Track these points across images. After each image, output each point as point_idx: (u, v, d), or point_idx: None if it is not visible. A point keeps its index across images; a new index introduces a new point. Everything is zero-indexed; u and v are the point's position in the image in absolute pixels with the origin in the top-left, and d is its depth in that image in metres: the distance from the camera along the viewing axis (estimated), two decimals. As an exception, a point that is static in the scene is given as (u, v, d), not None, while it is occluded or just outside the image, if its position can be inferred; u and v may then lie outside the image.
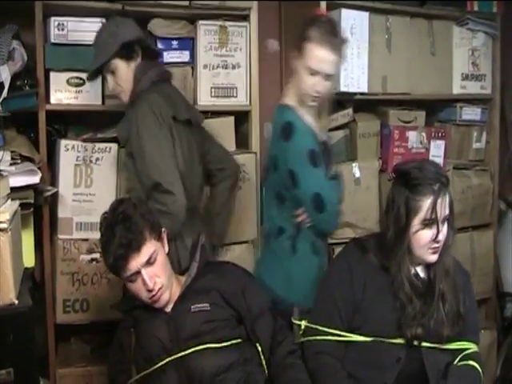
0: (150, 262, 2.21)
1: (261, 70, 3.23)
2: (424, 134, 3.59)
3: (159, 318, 2.27)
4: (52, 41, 2.88)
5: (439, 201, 2.23)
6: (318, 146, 2.61)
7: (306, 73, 2.56)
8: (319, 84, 2.56)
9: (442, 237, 2.26)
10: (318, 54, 2.52)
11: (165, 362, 2.20)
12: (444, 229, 2.27)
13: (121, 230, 2.17)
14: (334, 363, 2.34)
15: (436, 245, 2.27)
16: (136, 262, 2.19)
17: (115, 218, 2.20)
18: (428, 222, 2.24)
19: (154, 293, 2.23)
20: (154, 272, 2.22)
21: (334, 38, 2.54)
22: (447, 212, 2.26)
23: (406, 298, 2.28)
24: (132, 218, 2.19)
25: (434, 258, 2.30)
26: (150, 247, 2.21)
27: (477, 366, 2.37)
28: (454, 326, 2.32)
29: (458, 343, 2.37)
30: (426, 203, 2.22)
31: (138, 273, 2.20)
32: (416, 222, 2.25)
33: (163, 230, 2.32)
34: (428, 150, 3.59)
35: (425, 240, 2.26)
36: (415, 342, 2.28)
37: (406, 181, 2.26)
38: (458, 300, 2.33)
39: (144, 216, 2.23)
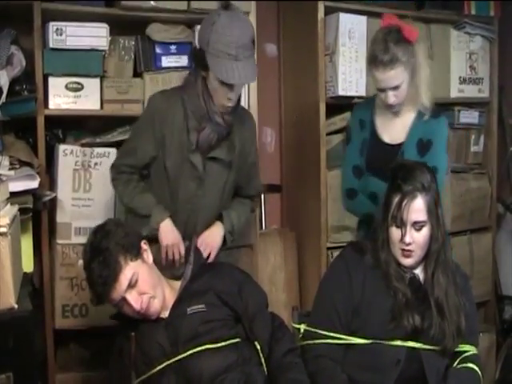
0: (131, 286, 2.21)
1: (259, 75, 3.21)
2: (422, 137, 3.58)
3: (158, 323, 2.27)
4: (51, 46, 2.88)
5: (406, 202, 2.26)
6: None
7: (377, 90, 2.69)
8: (390, 97, 2.65)
9: (409, 240, 2.27)
10: (377, 75, 2.62)
11: (163, 365, 2.20)
12: (415, 234, 2.28)
13: (96, 265, 2.18)
14: (334, 366, 2.33)
15: (405, 247, 2.28)
16: (117, 293, 2.20)
17: (91, 253, 2.22)
18: (395, 220, 2.28)
19: (142, 311, 2.24)
20: (139, 291, 2.23)
21: (383, 55, 2.58)
22: (418, 218, 2.27)
23: (396, 285, 2.30)
24: (106, 251, 2.19)
25: (405, 261, 2.32)
26: (127, 273, 2.21)
27: (476, 368, 2.37)
28: (455, 340, 2.33)
29: (458, 346, 2.37)
30: (394, 200, 2.29)
31: (123, 298, 2.21)
32: (389, 218, 2.30)
33: (143, 242, 2.32)
34: (426, 153, 3.59)
35: (394, 238, 2.30)
36: (414, 345, 2.29)
37: (393, 175, 2.35)
38: (459, 314, 2.33)
39: (118, 243, 2.22)
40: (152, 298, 2.25)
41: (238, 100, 2.61)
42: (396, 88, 2.64)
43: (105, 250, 2.19)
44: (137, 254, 2.26)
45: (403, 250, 2.29)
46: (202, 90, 2.54)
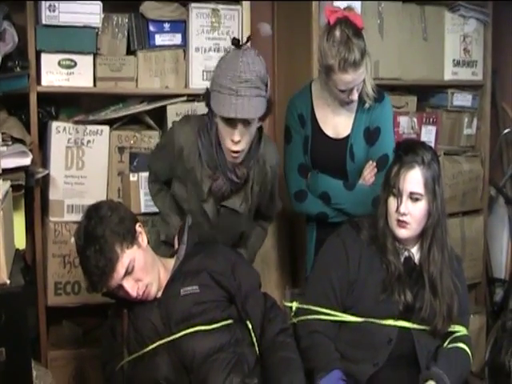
0: (128, 272, 2.20)
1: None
2: (415, 120, 3.59)
3: (151, 302, 2.28)
4: (43, 22, 2.85)
5: (403, 171, 2.29)
6: None
7: (336, 90, 2.63)
8: (354, 94, 2.63)
9: (404, 210, 2.29)
10: (343, 78, 2.56)
11: (156, 345, 2.21)
12: (410, 205, 2.30)
13: (92, 254, 2.15)
14: (328, 343, 2.36)
15: (400, 217, 2.30)
16: (114, 280, 2.19)
17: (85, 240, 2.18)
18: (392, 190, 2.31)
19: (139, 297, 2.24)
20: (135, 278, 2.22)
21: (352, 55, 2.52)
22: (415, 189, 2.29)
23: (389, 257, 2.33)
24: (101, 239, 2.16)
25: (400, 232, 2.33)
26: (124, 261, 2.19)
27: (466, 348, 2.41)
28: (446, 321, 2.35)
29: (448, 326, 2.39)
30: (393, 170, 2.32)
31: (120, 285, 2.21)
32: (387, 189, 2.33)
33: (138, 225, 2.29)
34: (419, 135, 3.59)
35: (391, 209, 2.33)
36: (406, 325, 2.30)
37: (395, 151, 2.40)
38: (452, 294, 2.35)
39: (113, 230, 2.19)
40: (149, 285, 2.24)
41: (254, 147, 2.49)
42: (359, 84, 2.61)
43: (100, 237, 2.16)
44: (132, 239, 2.23)
45: (398, 220, 2.31)
46: (215, 139, 2.44)
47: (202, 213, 2.53)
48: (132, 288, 2.21)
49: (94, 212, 2.24)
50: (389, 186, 2.33)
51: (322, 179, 2.78)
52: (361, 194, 2.71)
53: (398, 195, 2.30)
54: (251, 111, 2.29)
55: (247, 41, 2.38)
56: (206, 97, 2.42)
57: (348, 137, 2.75)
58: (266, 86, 2.35)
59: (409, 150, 2.32)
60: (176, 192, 2.57)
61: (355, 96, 2.62)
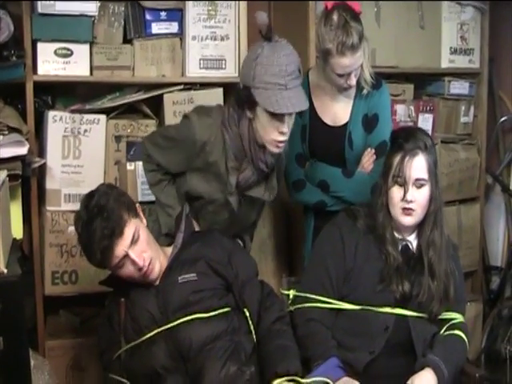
0: (134, 241, 2.21)
1: (250, 42, 3.20)
2: (412, 108, 3.59)
3: (148, 291, 2.28)
4: (39, 11, 2.84)
5: (407, 159, 2.29)
6: None
7: (334, 75, 2.62)
8: (352, 79, 2.62)
9: (411, 198, 2.29)
10: (341, 62, 2.56)
11: (153, 333, 2.22)
12: (416, 192, 2.30)
13: (99, 222, 2.16)
14: (325, 331, 2.36)
15: (406, 205, 2.30)
16: (122, 247, 2.19)
17: (90, 213, 2.19)
18: (397, 179, 2.31)
19: (145, 269, 2.23)
20: (141, 249, 2.23)
21: (350, 39, 2.52)
22: (419, 175, 2.30)
23: (388, 248, 2.34)
24: (107, 207, 2.18)
25: (406, 220, 2.33)
26: (131, 227, 2.21)
27: (462, 335, 2.41)
28: (442, 304, 2.36)
29: (445, 313, 2.40)
30: (396, 159, 2.31)
31: (126, 256, 2.21)
32: (389, 179, 2.32)
33: (137, 204, 2.33)
34: (416, 123, 3.60)
35: (395, 198, 2.32)
36: (403, 312, 2.31)
37: (391, 141, 2.40)
38: (448, 277, 2.36)
39: (118, 200, 2.23)
40: (153, 259, 2.25)
41: None
42: (357, 69, 2.61)
43: (106, 206, 2.18)
44: (135, 212, 2.27)
45: (404, 208, 2.31)
46: (247, 133, 2.43)
47: (225, 204, 2.53)
48: (139, 257, 2.21)
49: (94, 191, 2.27)
50: (392, 175, 2.32)
51: (320, 167, 2.79)
52: (360, 181, 2.71)
53: (404, 183, 2.30)
54: (302, 102, 2.34)
55: (271, 31, 2.36)
56: (239, 95, 2.40)
57: (346, 124, 2.75)
58: (301, 72, 2.39)
59: (409, 137, 2.33)
60: (193, 184, 2.54)
61: (353, 81, 2.62)
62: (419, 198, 2.31)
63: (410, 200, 2.30)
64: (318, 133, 2.78)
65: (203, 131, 2.44)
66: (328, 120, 2.77)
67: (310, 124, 2.78)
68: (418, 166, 2.30)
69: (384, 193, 2.36)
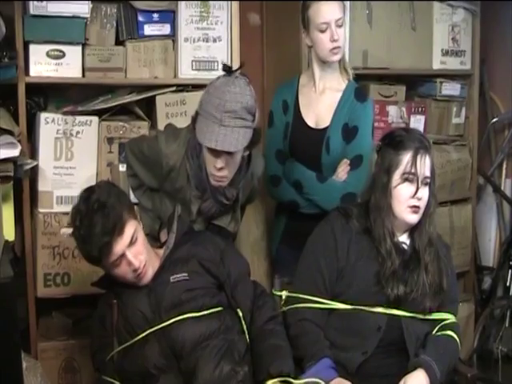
0: (132, 242, 2.22)
1: (242, 44, 3.22)
2: (404, 109, 3.61)
3: (140, 291, 2.28)
4: (31, 12, 2.83)
5: (419, 157, 2.30)
6: None
7: (318, 34, 2.67)
8: (335, 33, 2.65)
9: (421, 195, 2.31)
10: (321, 9, 2.64)
11: (146, 333, 2.21)
12: (424, 190, 2.32)
13: (100, 218, 2.16)
14: (318, 331, 2.36)
15: (416, 202, 2.31)
16: (121, 246, 2.19)
17: (90, 207, 2.18)
18: (407, 176, 2.31)
19: (140, 271, 2.23)
20: (137, 250, 2.23)
21: None
22: (427, 173, 2.32)
23: (386, 251, 2.33)
24: (108, 203, 2.18)
25: (413, 217, 2.34)
26: (130, 228, 2.21)
27: (454, 335, 2.42)
28: (436, 298, 2.37)
29: (437, 314, 2.41)
30: (407, 156, 2.31)
31: (122, 255, 2.21)
32: (397, 177, 2.32)
33: (135, 207, 2.34)
34: (408, 124, 3.61)
35: (404, 195, 2.32)
36: (395, 312, 2.32)
37: (391, 140, 2.38)
38: (442, 272, 2.37)
39: (119, 198, 2.23)
40: (147, 262, 2.26)
41: (243, 169, 2.49)
42: (339, 25, 2.66)
43: (107, 203, 2.18)
44: (134, 213, 2.28)
45: (413, 206, 2.32)
46: (204, 163, 2.42)
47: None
48: (135, 258, 2.21)
49: (94, 187, 2.28)
50: (402, 172, 2.32)
51: (296, 168, 2.82)
52: (332, 188, 2.76)
53: (414, 179, 2.31)
54: (232, 143, 2.28)
55: (238, 68, 2.36)
56: (193, 120, 2.40)
57: (326, 128, 2.78)
58: (253, 116, 2.33)
59: (415, 137, 2.35)
60: (166, 206, 2.57)
61: (336, 35, 2.66)
62: (425, 195, 2.33)
63: (421, 197, 2.31)
64: (298, 133, 2.83)
65: (169, 155, 2.47)
66: (310, 121, 2.81)
67: (292, 123, 2.83)
68: (427, 164, 2.32)
69: (387, 193, 2.35)
